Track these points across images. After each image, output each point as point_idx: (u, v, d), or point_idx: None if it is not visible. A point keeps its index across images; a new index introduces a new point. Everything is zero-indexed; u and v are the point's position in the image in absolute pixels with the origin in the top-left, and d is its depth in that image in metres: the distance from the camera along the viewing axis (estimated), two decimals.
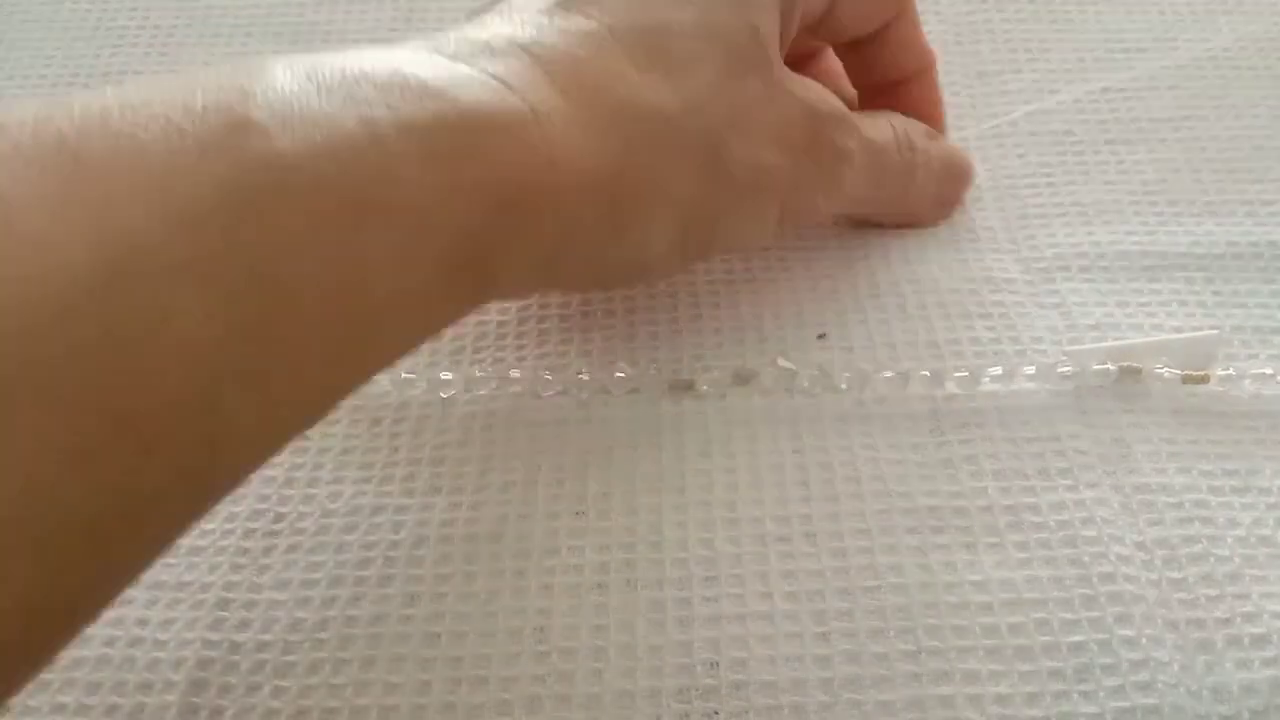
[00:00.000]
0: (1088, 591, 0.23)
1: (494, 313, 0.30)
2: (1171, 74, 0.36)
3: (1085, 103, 0.35)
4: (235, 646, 0.23)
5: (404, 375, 0.28)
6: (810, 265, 0.31)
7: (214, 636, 0.24)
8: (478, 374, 0.28)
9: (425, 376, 0.28)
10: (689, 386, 0.27)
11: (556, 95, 0.22)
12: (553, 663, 0.23)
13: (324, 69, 0.20)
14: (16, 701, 0.22)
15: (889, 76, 0.32)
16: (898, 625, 0.23)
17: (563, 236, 0.23)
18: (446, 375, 0.28)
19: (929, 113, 0.32)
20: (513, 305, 0.30)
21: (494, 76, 0.22)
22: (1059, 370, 0.27)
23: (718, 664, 0.22)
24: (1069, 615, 0.23)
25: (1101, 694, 0.22)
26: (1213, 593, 0.23)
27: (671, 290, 0.30)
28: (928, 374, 0.27)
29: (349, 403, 0.28)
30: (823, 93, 0.27)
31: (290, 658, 0.23)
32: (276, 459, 0.26)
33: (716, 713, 0.22)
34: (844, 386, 0.27)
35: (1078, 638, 0.22)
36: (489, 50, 0.22)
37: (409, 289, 0.20)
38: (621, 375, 0.27)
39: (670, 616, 0.23)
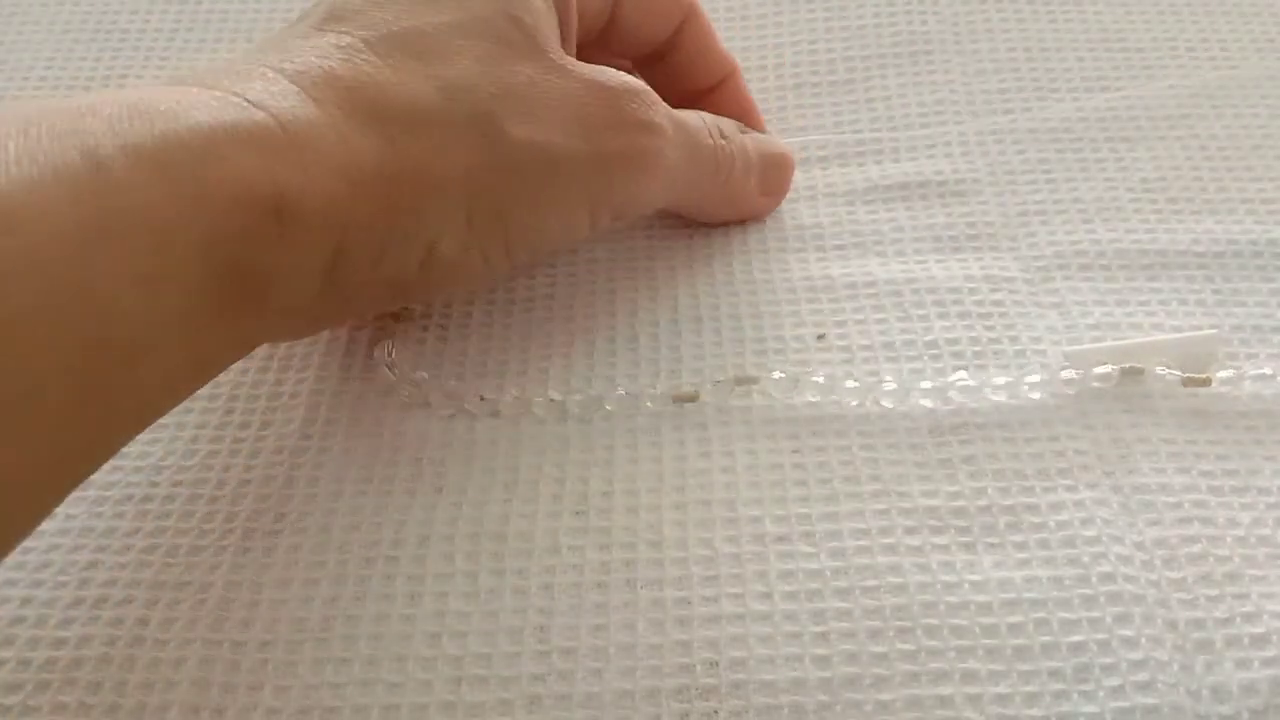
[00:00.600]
0: (1087, 592, 0.23)
1: (497, 327, 0.30)
2: (1171, 72, 0.36)
3: (1085, 100, 0.35)
4: (237, 646, 0.23)
5: (412, 379, 0.28)
6: (808, 265, 0.31)
7: (216, 636, 0.24)
8: (482, 397, 0.28)
9: (432, 382, 0.28)
10: (692, 398, 0.27)
11: (308, 104, 0.22)
12: (553, 662, 0.23)
13: (55, 112, 0.20)
14: (17, 701, 0.23)
15: (693, 86, 0.32)
16: (897, 625, 0.23)
17: (340, 241, 0.23)
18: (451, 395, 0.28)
19: (741, 116, 0.32)
20: (514, 318, 0.30)
21: (235, 94, 0.22)
22: (1060, 373, 0.27)
23: (717, 664, 0.23)
24: (1068, 615, 0.23)
25: (1101, 694, 0.22)
26: (1212, 593, 0.23)
27: (671, 292, 0.30)
28: (929, 385, 0.27)
29: (349, 402, 0.28)
30: (615, 72, 0.27)
31: (292, 657, 0.23)
32: (277, 458, 0.27)
33: (716, 712, 0.22)
34: (854, 403, 0.27)
35: (1077, 638, 0.23)
36: (234, 73, 0.23)
37: (165, 310, 0.20)
38: (622, 393, 0.27)
39: (670, 616, 0.23)
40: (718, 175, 0.30)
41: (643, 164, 0.27)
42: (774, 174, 0.32)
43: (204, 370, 0.23)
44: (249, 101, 0.22)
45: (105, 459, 0.21)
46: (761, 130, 0.33)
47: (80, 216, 0.19)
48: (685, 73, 0.32)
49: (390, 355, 0.29)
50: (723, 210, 0.32)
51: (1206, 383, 0.26)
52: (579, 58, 0.27)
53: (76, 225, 0.19)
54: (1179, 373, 0.27)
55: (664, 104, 0.28)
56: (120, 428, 0.21)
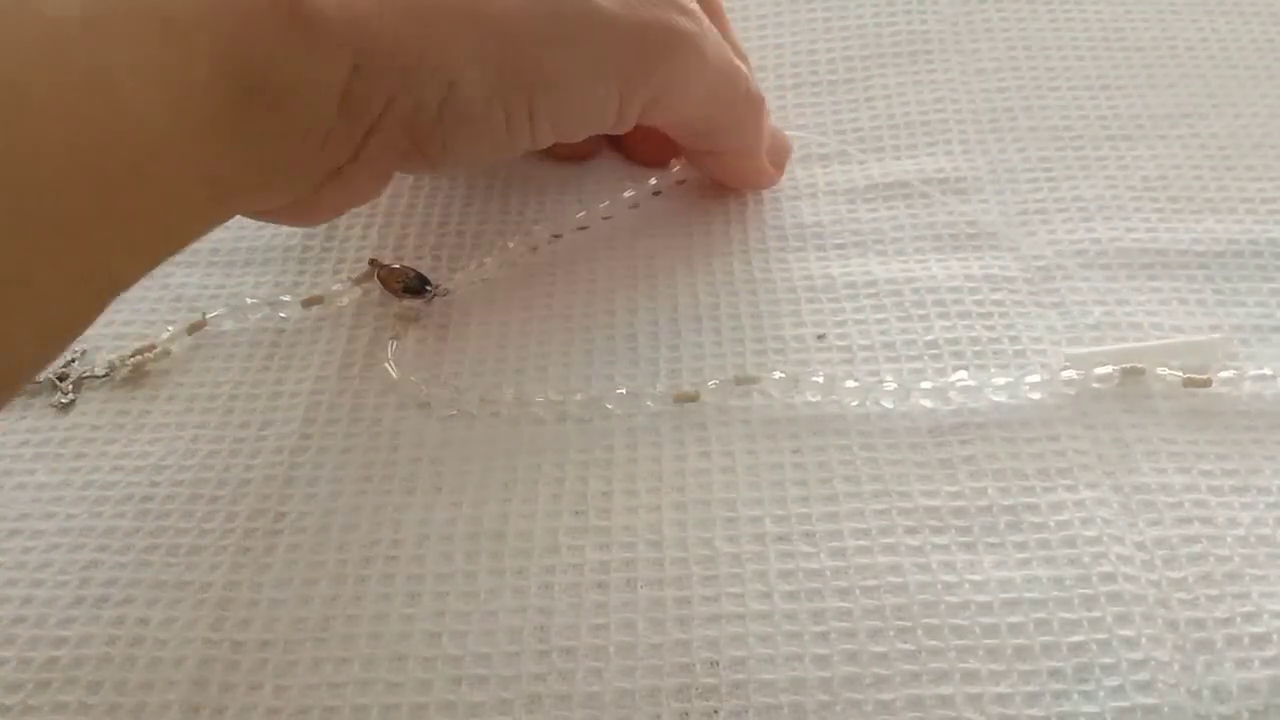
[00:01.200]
0: (1087, 591, 0.23)
1: (496, 326, 0.30)
2: (1171, 71, 0.36)
3: (1085, 98, 0.35)
4: (237, 646, 0.23)
5: (412, 379, 0.28)
6: (808, 264, 0.31)
7: (216, 636, 0.24)
8: (482, 397, 0.28)
9: (431, 382, 0.28)
10: (693, 399, 0.27)
11: None
12: (553, 661, 0.23)
13: None
14: (17, 700, 0.23)
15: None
16: (897, 625, 0.23)
17: (360, 60, 0.22)
18: (450, 394, 0.28)
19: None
20: (514, 317, 0.30)
21: None
22: (1061, 374, 0.27)
23: (717, 663, 0.22)
24: (1069, 615, 0.23)
25: (1101, 694, 0.22)
26: (1212, 593, 0.23)
27: (671, 292, 0.30)
28: (929, 385, 0.27)
29: (350, 401, 0.28)
30: None
31: (292, 657, 0.23)
32: (277, 458, 0.27)
33: (716, 712, 0.22)
34: (854, 403, 0.27)
35: (1078, 638, 0.22)
36: None
37: (180, 111, 0.19)
38: (622, 393, 0.27)
39: (670, 616, 0.23)
40: (748, 113, 0.30)
41: (679, 44, 0.26)
42: (779, 151, 0.32)
43: (221, 198, 0.22)
44: None
45: (126, 283, 0.20)
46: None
47: (91, 2, 0.18)
48: None
49: (392, 355, 0.29)
50: (740, 161, 0.31)
51: (1207, 383, 0.26)
52: None
53: (86, 9, 0.18)
54: (1180, 374, 0.27)
55: (711, 27, 0.28)
56: (138, 246, 0.20)
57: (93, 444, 0.28)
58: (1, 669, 0.23)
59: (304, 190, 0.24)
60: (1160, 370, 0.27)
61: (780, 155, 0.33)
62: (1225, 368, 0.27)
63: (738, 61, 0.29)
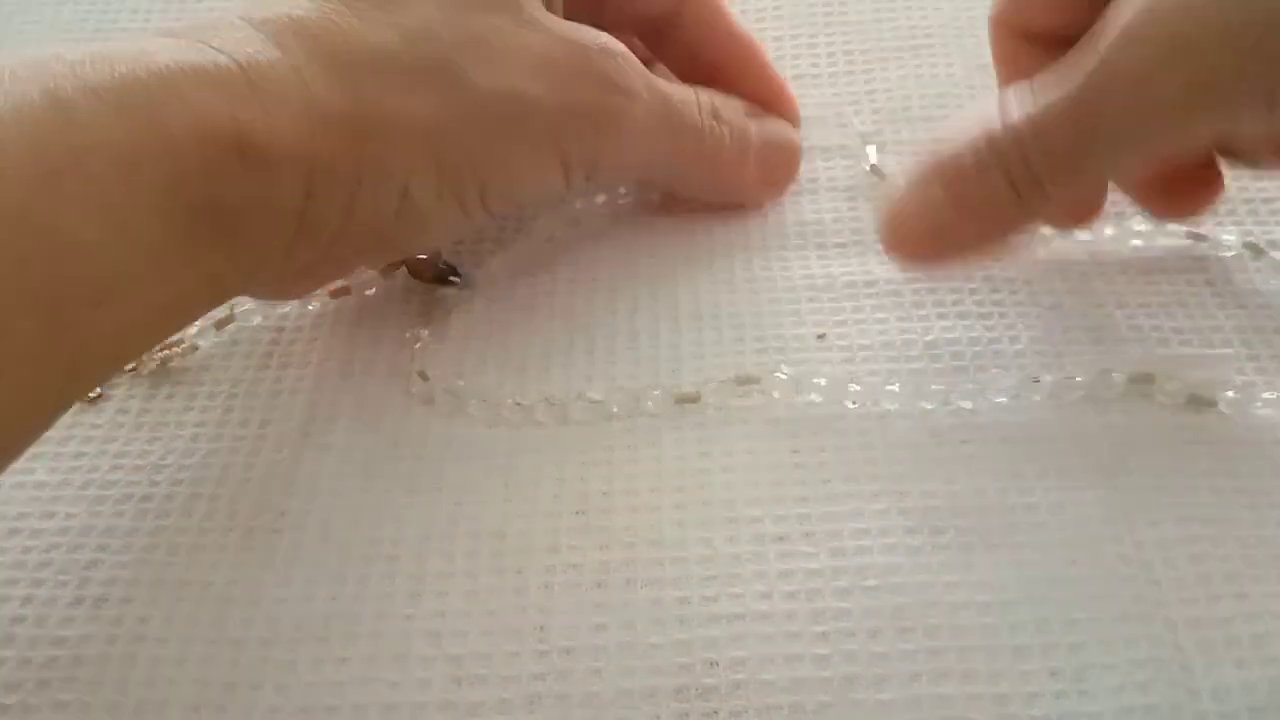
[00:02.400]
0: (1087, 591, 0.23)
1: (497, 326, 0.30)
2: None
3: None
4: (237, 645, 0.23)
5: (415, 378, 0.28)
6: (808, 263, 0.31)
7: (216, 635, 0.24)
8: (483, 397, 0.28)
9: (433, 381, 0.28)
10: (694, 399, 0.27)
11: (271, 49, 0.23)
12: (552, 661, 0.23)
13: (20, 61, 0.21)
14: (17, 700, 0.23)
15: (704, 64, 0.32)
16: (896, 625, 0.23)
17: (309, 183, 0.23)
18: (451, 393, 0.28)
19: (766, 100, 0.32)
20: (514, 317, 0.30)
21: (199, 40, 0.23)
22: (1063, 378, 0.27)
23: (717, 663, 0.23)
24: (1069, 615, 0.23)
25: (1101, 694, 0.22)
26: (1213, 592, 0.23)
27: (671, 291, 0.30)
28: (929, 385, 0.27)
29: (351, 401, 0.28)
30: (593, 30, 0.27)
31: (292, 656, 0.23)
32: (278, 456, 0.27)
33: (716, 712, 0.22)
34: (854, 404, 0.27)
35: (1077, 637, 0.23)
36: (202, 24, 0.23)
37: (133, 246, 0.21)
38: (623, 393, 0.27)
39: (670, 616, 0.23)
40: (701, 153, 0.30)
41: (609, 122, 0.27)
42: (776, 163, 0.32)
43: (176, 314, 0.23)
44: (212, 47, 0.23)
45: (78, 397, 0.22)
46: (792, 114, 0.33)
47: (41, 153, 0.20)
48: (693, 50, 0.31)
49: (420, 344, 0.29)
50: (711, 191, 0.31)
51: (1212, 404, 0.26)
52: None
53: (37, 161, 0.19)
54: (1184, 390, 0.26)
55: (645, 71, 0.28)
56: (92, 368, 0.22)
57: (91, 442, 0.28)
58: (1, 668, 0.23)
59: (273, 290, 0.27)
60: (1165, 382, 0.26)
61: (778, 169, 0.32)
62: (1230, 387, 0.26)
63: (685, 111, 0.29)
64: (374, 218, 0.25)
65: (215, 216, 0.22)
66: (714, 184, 0.31)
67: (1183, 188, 0.26)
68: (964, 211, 0.25)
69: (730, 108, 0.31)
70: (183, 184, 0.21)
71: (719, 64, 0.32)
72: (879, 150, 0.33)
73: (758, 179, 0.31)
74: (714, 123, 0.30)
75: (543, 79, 0.26)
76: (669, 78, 0.31)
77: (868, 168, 0.32)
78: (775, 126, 0.32)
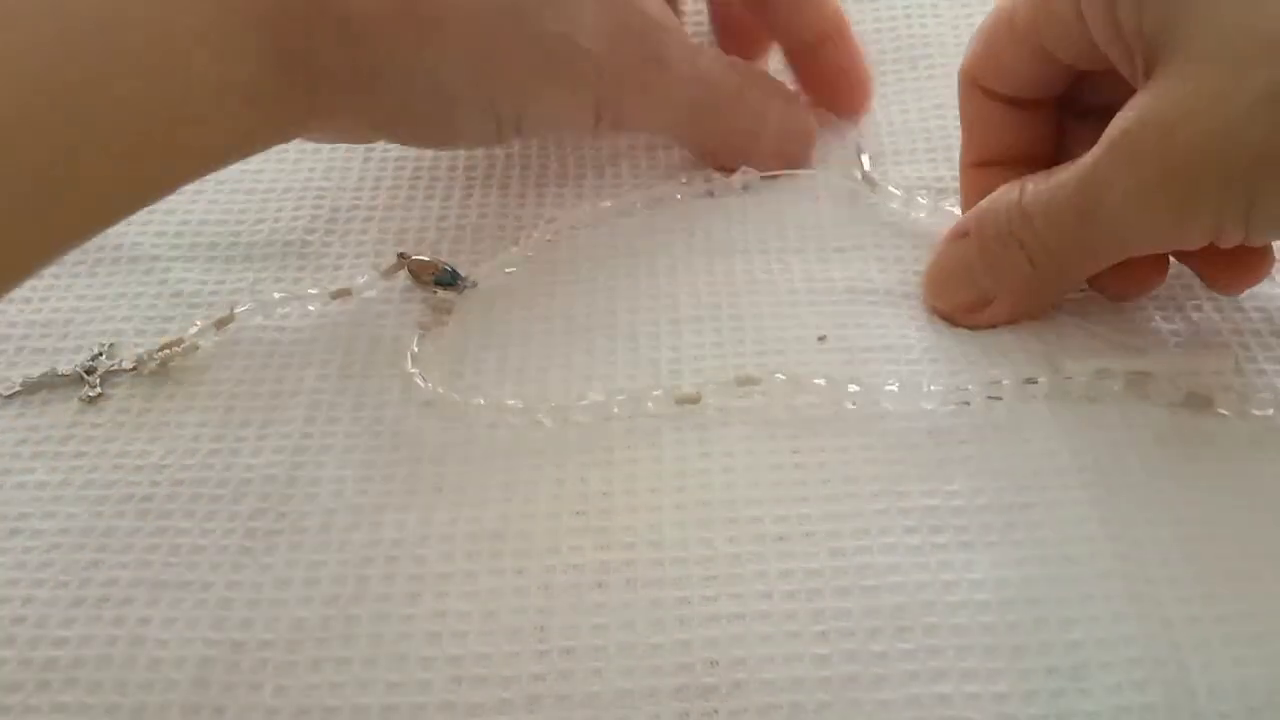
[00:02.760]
0: (1085, 590, 0.23)
1: (497, 326, 0.30)
2: None
3: None
4: (237, 645, 0.23)
5: (415, 379, 0.28)
6: (809, 266, 0.31)
7: (216, 636, 0.24)
8: (482, 398, 0.28)
9: (432, 381, 0.28)
10: (694, 400, 0.27)
11: None
12: (553, 661, 0.23)
13: None
14: (18, 700, 0.23)
15: (796, 37, 0.34)
16: (896, 624, 0.23)
17: (369, 45, 0.26)
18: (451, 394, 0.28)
19: (837, 79, 0.34)
20: (514, 317, 0.30)
21: None
22: (1061, 378, 0.27)
23: (717, 663, 0.23)
24: (1066, 614, 0.23)
25: (1098, 692, 0.22)
26: (1209, 591, 0.23)
27: (671, 291, 0.30)
28: (929, 386, 0.27)
29: (352, 400, 0.28)
30: (661, 6, 0.30)
31: (292, 657, 0.23)
32: (278, 458, 0.27)
33: (716, 711, 0.22)
34: (851, 405, 0.27)
35: (1075, 636, 0.23)
36: None
37: (232, 75, 0.24)
38: (623, 394, 0.27)
39: (670, 616, 0.23)
40: (717, 130, 0.32)
41: (643, 88, 0.30)
42: (789, 145, 0.33)
43: (245, 145, 0.26)
44: None
45: (153, 200, 0.25)
46: (853, 96, 0.35)
47: None
48: (788, 22, 0.34)
49: (417, 345, 0.29)
50: (721, 160, 0.33)
51: (1209, 403, 0.26)
52: None
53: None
54: (1182, 389, 0.26)
55: (692, 48, 0.31)
56: (170, 183, 0.25)
57: (92, 443, 0.28)
58: (2, 669, 0.23)
59: (314, 132, 0.29)
60: (1162, 382, 0.27)
61: (792, 151, 0.34)
62: (1227, 387, 0.27)
63: (716, 94, 0.32)
64: (408, 90, 0.27)
65: (305, 61, 0.25)
66: (721, 156, 0.33)
67: (1236, 259, 0.27)
68: (995, 277, 0.28)
69: (757, 92, 0.33)
70: (286, 17, 0.24)
71: (817, 44, 0.34)
72: (873, 161, 0.33)
73: (769, 155, 0.33)
74: (734, 103, 0.32)
75: (596, 34, 0.28)
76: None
77: (859, 175, 0.32)
78: (794, 115, 0.34)
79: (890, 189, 0.32)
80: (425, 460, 0.27)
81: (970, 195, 0.30)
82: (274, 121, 0.26)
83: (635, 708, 0.22)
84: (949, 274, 0.29)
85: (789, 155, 0.33)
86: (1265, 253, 0.27)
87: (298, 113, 0.26)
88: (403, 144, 0.31)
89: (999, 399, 0.27)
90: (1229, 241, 0.25)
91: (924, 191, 0.32)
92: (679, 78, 0.30)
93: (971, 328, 0.29)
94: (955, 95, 0.34)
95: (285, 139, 0.27)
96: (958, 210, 0.31)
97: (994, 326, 0.29)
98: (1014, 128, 0.30)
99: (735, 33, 0.36)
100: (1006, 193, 0.28)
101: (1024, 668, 0.22)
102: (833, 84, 0.35)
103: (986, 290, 0.28)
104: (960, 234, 0.29)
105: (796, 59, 0.35)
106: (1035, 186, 0.27)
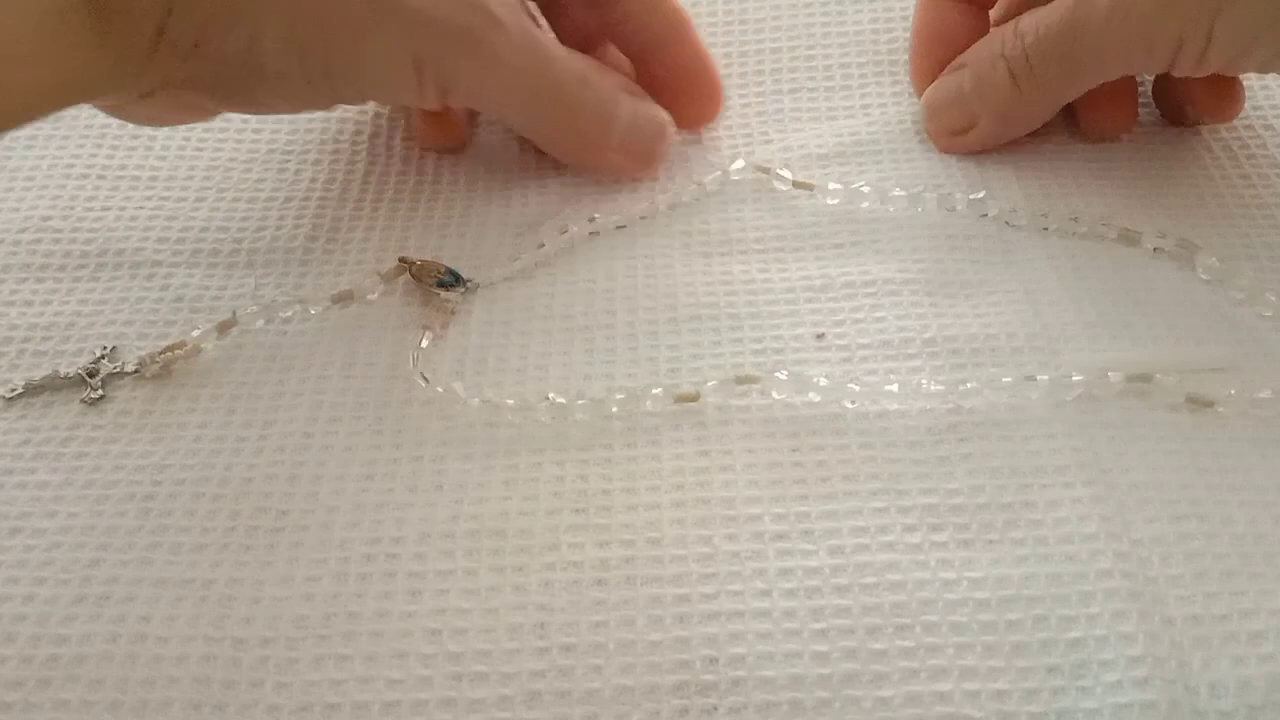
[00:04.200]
0: (1085, 588, 0.23)
1: (497, 325, 0.30)
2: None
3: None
4: (239, 643, 0.23)
5: (417, 379, 0.28)
6: (806, 264, 0.31)
7: (217, 633, 0.24)
8: (482, 397, 0.28)
9: (434, 381, 0.28)
10: (693, 399, 0.27)
11: None
12: (553, 658, 0.23)
13: None
14: (19, 698, 0.23)
15: (633, 39, 0.33)
16: (895, 622, 0.23)
17: (176, 6, 0.25)
18: (452, 393, 0.28)
19: (679, 82, 0.33)
20: (514, 316, 0.30)
21: None
22: (1061, 377, 0.27)
23: (717, 660, 0.23)
24: (1066, 612, 0.23)
25: (1099, 690, 0.22)
26: (1209, 589, 0.23)
27: (671, 291, 0.30)
28: (928, 384, 0.27)
29: (353, 400, 0.28)
30: None
31: (293, 654, 0.23)
32: (279, 456, 0.27)
33: (715, 708, 0.22)
34: (853, 403, 0.27)
35: (1075, 634, 0.23)
36: None
37: (25, 18, 0.23)
38: (622, 396, 0.27)
39: (669, 613, 0.23)
40: (558, 111, 0.31)
41: (472, 46, 0.29)
42: (640, 138, 0.32)
43: (50, 97, 0.25)
44: None
45: None
46: (705, 93, 0.34)
47: None
48: (628, 23, 0.33)
49: (422, 347, 0.29)
50: (566, 153, 0.33)
51: (1210, 404, 0.26)
52: None
53: None
54: (1183, 390, 0.26)
55: (524, 15, 0.30)
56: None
57: (94, 444, 0.28)
58: (3, 666, 0.23)
59: (140, 109, 0.29)
60: (1163, 382, 0.27)
61: (643, 145, 0.33)
62: (1228, 387, 0.26)
63: (552, 67, 0.31)
64: (220, 53, 0.26)
65: (100, 11, 0.24)
66: (568, 146, 0.33)
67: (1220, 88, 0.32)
68: (980, 96, 0.32)
69: (605, 82, 0.32)
70: None
71: (653, 36, 0.33)
72: (872, 159, 0.33)
73: (618, 150, 0.32)
74: (579, 88, 0.31)
75: None
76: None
77: (787, 186, 0.33)
78: (646, 108, 0.33)
79: (897, 191, 0.32)
80: (426, 459, 0.27)
81: (924, 18, 0.35)
82: (103, 67, 0.25)
83: (635, 704, 0.22)
84: (942, 96, 0.33)
85: (639, 151, 0.32)
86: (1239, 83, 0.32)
87: (126, 62, 0.25)
88: (233, 108, 0.30)
89: (998, 397, 0.27)
90: (1191, 62, 0.29)
91: (923, 190, 0.32)
92: (514, 45, 0.29)
93: (958, 151, 0.33)
94: None
95: (119, 90, 0.27)
96: (959, 208, 0.32)
97: (977, 151, 0.33)
98: None
99: (573, 35, 0.34)
100: (1004, 27, 0.32)
101: (1024, 666, 0.22)
102: (674, 88, 0.33)
103: (973, 113, 0.32)
104: (957, 66, 0.33)
105: (636, 63, 0.34)
106: (1033, 12, 0.31)
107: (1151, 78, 0.35)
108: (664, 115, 0.33)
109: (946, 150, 0.33)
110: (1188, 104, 0.33)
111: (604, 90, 0.32)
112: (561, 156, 0.33)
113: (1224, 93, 0.32)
